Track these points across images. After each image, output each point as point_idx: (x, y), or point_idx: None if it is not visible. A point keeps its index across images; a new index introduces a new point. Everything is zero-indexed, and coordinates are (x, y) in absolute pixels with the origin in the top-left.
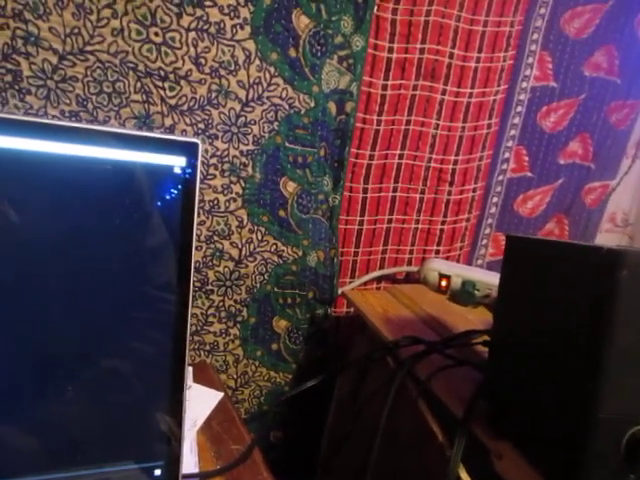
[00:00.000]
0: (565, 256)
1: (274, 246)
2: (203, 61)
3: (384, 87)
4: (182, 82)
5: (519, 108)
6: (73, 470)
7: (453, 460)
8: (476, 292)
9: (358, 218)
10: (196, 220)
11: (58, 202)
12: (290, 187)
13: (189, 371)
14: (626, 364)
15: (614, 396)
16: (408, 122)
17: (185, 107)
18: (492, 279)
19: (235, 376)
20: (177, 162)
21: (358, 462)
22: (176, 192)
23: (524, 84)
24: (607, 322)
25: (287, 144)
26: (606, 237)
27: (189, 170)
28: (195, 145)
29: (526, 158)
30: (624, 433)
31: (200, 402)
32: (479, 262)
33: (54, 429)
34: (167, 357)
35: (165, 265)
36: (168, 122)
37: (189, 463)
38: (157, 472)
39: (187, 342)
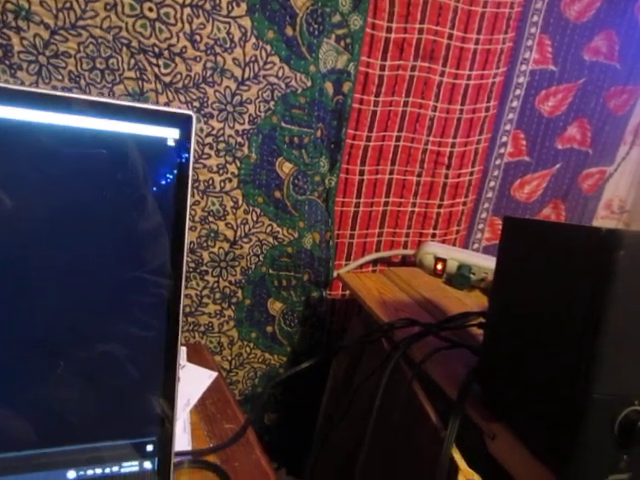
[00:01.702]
0: (563, 238)
1: (269, 227)
2: (198, 38)
3: (382, 67)
4: (177, 59)
5: (518, 91)
6: (66, 445)
7: (447, 440)
8: (472, 276)
9: (354, 200)
10: (190, 195)
11: (46, 174)
12: (286, 168)
13: (183, 351)
14: (621, 344)
15: (608, 377)
16: (406, 104)
17: (180, 85)
18: (488, 263)
19: (229, 358)
20: (171, 134)
21: (352, 443)
22: (170, 165)
23: (523, 67)
24: (603, 302)
25: (283, 124)
26: (602, 224)
27: (183, 143)
28: (189, 117)
29: (524, 142)
30: (618, 414)
31: (194, 381)
32: (475, 246)
33: (49, 406)
34: (160, 335)
35: (158, 240)
36: (162, 100)
37: (182, 441)
38: (149, 447)
39: (180, 318)
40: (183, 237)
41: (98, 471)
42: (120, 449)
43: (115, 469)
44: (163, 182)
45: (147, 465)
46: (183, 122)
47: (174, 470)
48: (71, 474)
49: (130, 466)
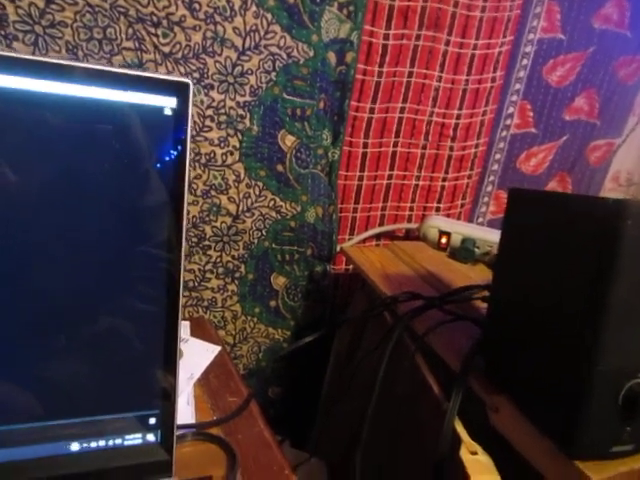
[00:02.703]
0: (569, 208)
1: (272, 201)
2: (197, 6)
3: (386, 37)
4: (176, 28)
5: (525, 61)
6: (70, 418)
7: (450, 413)
8: (476, 249)
9: (358, 173)
10: (189, 165)
11: (39, 144)
12: (288, 141)
13: (186, 325)
14: (626, 316)
15: (613, 349)
16: (410, 74)
17: (179, 55)
18: (492, 236)
19: (233, 332)
20: (168, 103)
21: (356, 416)
22: (167, 134)
23: (531, 36)
24: (610, 273)
25: (285, 95)
26: (609, 196)
27: (181, 112)
28: (186, 85)
29: (530, 114)
30: (622, 386)
31: (197, 355)
32: (480, 220)
33: (52, 379)
34: (161, 309)
35: (157, 212)
36: (162, 71)
37: (186, 414)
38: (152, 420)
39: (180, 291)
40: (182, 207)
41: (101, 443)
42: (123, 422)
43: (118, 441)
44: (161, 152)
45: (150, 438)
46: (180, 90)
47: (178, 442)
48: (74, 446)
49: (133, 439)
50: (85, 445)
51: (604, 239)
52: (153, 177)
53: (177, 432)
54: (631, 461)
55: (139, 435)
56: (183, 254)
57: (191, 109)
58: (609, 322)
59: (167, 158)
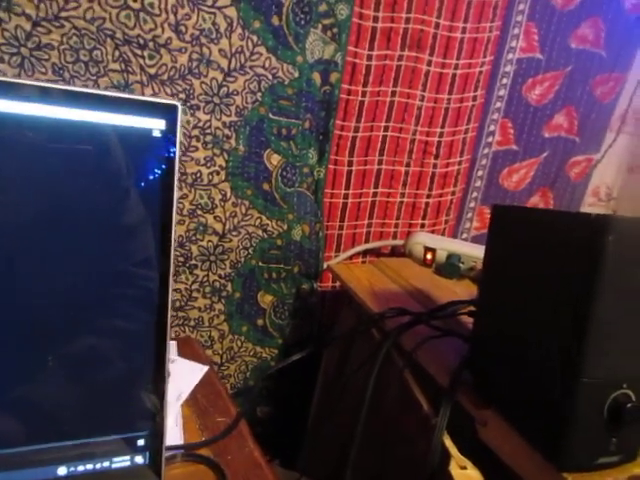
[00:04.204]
0: (552, 224)
1: (258, 220)
2: (183, 29)
3: (369, 57)
4: (162, 50)
5: (505, 80)
6: (57, 441)
7: (438, 428)
8: (461, 265)
9: (343, 191)
10: (177, 186)
11: (29, 168)
12: (274, 160)
13: (173, 345)
14: (610, 328)
15: (597, 361)
16: (393, 93)
17: (165, 76)
18: (477, 252)
19: (220, 352)
20: (156, 125)
21: (345, 433)
22: (156, 156)
23: (510, 55)
24: (593, 287)
25: (271, 115)
26: (590, 211)
27: (169, 133)
28: (174, 107)
29: (511, 131)
30: (606, 397)
31: (185, 375)
32: (464, 236)
33: (39, 402)
34: (150, 329)
35: (146, 233)
36: (148, 92)
37: (174, 435)
38: (140, 442)
39: (169, 312)
40: (171, 229)
41: (89, 467)
42: (111, 444)
43: (106, 464)
44: (150, 174)
45: (138, 460)
46: (168, 112)
47: (166, 464)
48: (62, 470)
49: (121, 461)
50: (72, 469)
51: (588, 254)
52: (142, 198)
53: (166, 453)
54: (616, 472)
55: (127, 457)
56: (172, 274)
57: (180, 130)
58: (593, 335)
59: (156, 179)
